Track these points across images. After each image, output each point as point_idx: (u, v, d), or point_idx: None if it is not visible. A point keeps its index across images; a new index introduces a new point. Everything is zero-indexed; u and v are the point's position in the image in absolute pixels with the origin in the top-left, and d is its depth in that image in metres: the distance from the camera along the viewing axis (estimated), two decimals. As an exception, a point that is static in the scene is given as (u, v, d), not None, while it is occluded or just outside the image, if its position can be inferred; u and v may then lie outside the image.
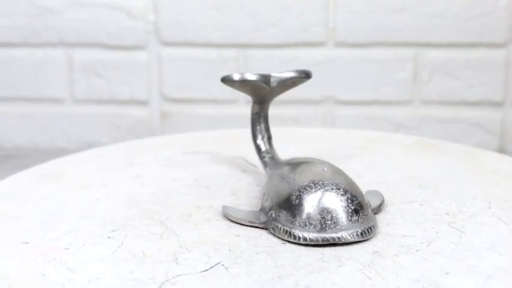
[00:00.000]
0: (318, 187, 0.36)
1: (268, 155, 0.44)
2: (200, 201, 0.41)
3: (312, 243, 0.34)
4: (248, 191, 0.43)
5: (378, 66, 0.81)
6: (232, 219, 0.38)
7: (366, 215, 0.35)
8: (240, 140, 0.56)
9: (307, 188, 0.36)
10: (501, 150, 0.82)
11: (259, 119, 0.45)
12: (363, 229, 0.35)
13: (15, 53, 0.84)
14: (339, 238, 0.34)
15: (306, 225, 0.35)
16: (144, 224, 0.37)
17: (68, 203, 0.41)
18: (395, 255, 0.33)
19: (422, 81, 0.81)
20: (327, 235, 0.34)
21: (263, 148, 0.45)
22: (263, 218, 0.37)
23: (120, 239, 0.35)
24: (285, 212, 0.36)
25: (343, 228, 0.34)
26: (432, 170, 0.47)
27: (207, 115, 0.84)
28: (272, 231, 0.36)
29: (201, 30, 0.82)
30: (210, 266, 0.32)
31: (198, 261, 0.33)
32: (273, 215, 0.36)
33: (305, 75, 0.42)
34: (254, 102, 0.45)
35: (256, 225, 0.37)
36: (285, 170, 0.39)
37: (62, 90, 0.84)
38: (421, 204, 0.40)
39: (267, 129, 0.45)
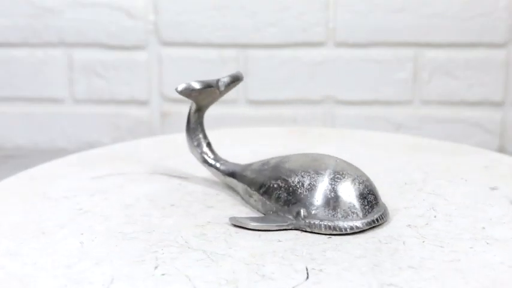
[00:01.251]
0: (345, 176, 0.37)
1: (221, 161, 0.43)
2: (193, 220, 0.38)
3: (358, 230, 0.36)
4: (221, 202, 0.42)
5: (378, 66, 0.81)
6: (258, 228, 0.37)
7: (379, 195, 0.38)
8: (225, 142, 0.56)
9: (336, 179, 0.37)
10: (501, 150, 0.82)
11: (199, 127, 0.44)
12: (385, 209, 0.37)
13: (15, 53, 0.84)
14: (377, 220, 0.36)
15: (348, 215, 0.36)
16: (179, 250, 0.35)
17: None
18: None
19: (422, 81, 0.81)
20: (369, 219, 0.36)
21: (211, 155, 0.43)
22: (290, 220, 0.37)
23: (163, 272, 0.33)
24: (321, 207, 0.36)
25: (377, 211, 0.37)
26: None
27: (207, 115, 0.84)
28: (309, 229, 0.36)
29: (201, 30, 0.82)
30: (306, 273, 0.31)
31: (286, 272, 0.32)
32: (304, 213, 0.36)
33: (239, 79, 0.43)
34: (196, 111, 0.43)
35: (285, 227, 0.37)
36: (287, 167, 0.39)
37: (62, 90, 0.84)
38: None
39: (206, 136, 0.44)
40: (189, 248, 0.34)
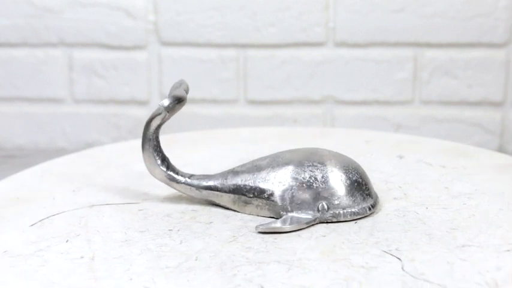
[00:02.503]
0: (347, 164, 0.40)
1: (191, 176, 0.41)
2: (216, 239, 0.36)
3: (374, 209, 0.39)
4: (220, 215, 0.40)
5: (377, 66, 0.81)
6: (292, 230, 0.37)
7: None
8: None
9: (344, 168, 0.39)
10: (501, 150, 0.82)
11: (158, 143, 0.42)
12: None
13: (15, 53, 0.84)
14: (376, 197, 0.40)
15: (365, 199, 0.39)
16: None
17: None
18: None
19: (422, 81, 0.81)
20: (375, 198, 0.40)
21: (178, 172, 0.41)
22: (313, 215, 0.38)
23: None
24: (343, 197, 0.38)
25: (375, 193, 0.41)
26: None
27: (207, 115, 0.84)
28: (335, 219, 0.38)
29: (201, 30, 0.82)
30: (397, 258, 0.33)
31: (382, 259, 0.33)
32: (326, 206, 0.38)
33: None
34: (159, 126, 0.42)
35: (312, 223, 0.37)
36: (286, 166, 0.39)
37: (62, 90, 0.84)
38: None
39: (163, 152, 0.42)
40: (261, 263, 0.33)
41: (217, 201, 0.40)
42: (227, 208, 0.40)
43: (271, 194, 0.38)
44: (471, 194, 0.43)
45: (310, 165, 0.39)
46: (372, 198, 0.39)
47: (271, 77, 0.82)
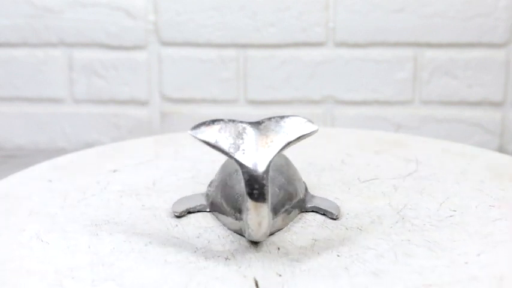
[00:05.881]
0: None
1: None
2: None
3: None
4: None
5: (377, 66, 0.81)
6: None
7: None
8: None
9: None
10: (501, 150, 0.82)
11: None
12: None
13: (15, 53, 0.84)
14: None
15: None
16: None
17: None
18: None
19: (422, 81, 0.81)
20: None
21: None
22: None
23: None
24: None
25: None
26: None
27: (207, 115, 0.84)
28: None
29: (201, 30, 0.82)
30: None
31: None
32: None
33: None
34: None
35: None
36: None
37: (62, 90, 0.84)
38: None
39: None
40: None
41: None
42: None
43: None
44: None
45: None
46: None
47: (271, 77, 0.82)
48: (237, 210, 0.36)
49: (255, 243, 0.35)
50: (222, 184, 0.39)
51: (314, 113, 0.83)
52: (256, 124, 0.33)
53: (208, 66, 0.83)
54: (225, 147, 0.32)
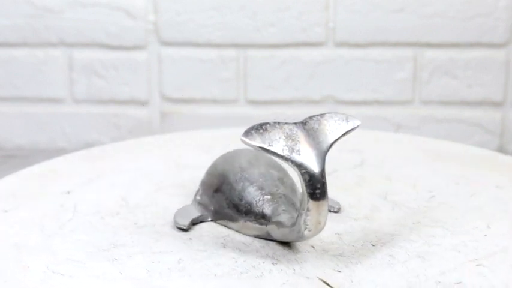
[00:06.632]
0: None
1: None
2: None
3: None
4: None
5: (377, 66, 0.81)
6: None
7: None
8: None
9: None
10: (501, 150, 0.82)
11: None
12: None
13: (15, 53, 0.84)
14: None
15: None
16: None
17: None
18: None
19: (422, 81, 0.81)
20: None
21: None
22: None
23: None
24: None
25: None
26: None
27: (207, 115, 0.84)
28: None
29: (201, 30, 0.82)
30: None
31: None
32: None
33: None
34: None
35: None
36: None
37: (62, 90, 0.84)
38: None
39: None
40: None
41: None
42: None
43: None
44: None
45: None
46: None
47: (271, 77, 0.82)
48: (260, 216, 0.36)
49: (287, 244, 0.35)
50: (224, 192, 0.38)
51: (314, 113, 0.83)
52: (301, 124, 0.34)
53: (208, 66, 0.83)
54: (279, 151, 0.32)
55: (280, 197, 0.37)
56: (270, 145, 0.32)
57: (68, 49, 0.83)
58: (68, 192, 0.43)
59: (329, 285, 0.31)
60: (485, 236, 0.36)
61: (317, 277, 0.31)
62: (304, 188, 0.32)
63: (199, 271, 0.33)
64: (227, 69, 0.82)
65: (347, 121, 0.34)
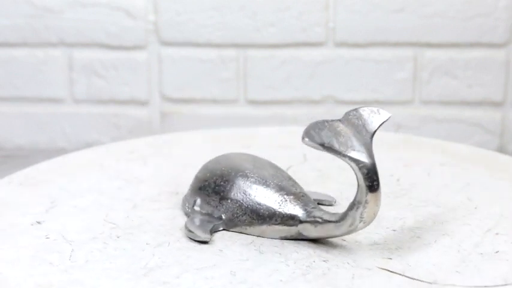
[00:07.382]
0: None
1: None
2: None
3: None
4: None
5: (377, 66, 0.81)
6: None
7: None
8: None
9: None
10: (501, 150, 0.82)
11: None
12: None
13: (15, 53, 0.84)
14: None
15: None
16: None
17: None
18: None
19: (422, 81, 0.81)
20: None
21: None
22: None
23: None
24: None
25: None
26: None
27: (207, 115, 0.84)
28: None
29: (201, 30, 0.82)
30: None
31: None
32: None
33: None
34: None
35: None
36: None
37: (62, 90, 0.84)
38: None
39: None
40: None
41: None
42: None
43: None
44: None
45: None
46: None
47: (271, 77, 0.82)
48: (287, 217, 0.36)
49: (315, 242, 0.35)
50: (235, 199, 0.38)
51: (314, 113, 0.83)
52: (344, 121, 0.34)
53: (208, 66, 0.83)
54: (338, 148, 0.32)
55: (303, 196, 0.37)
56: (329, 143, 0.32)
57: (68, 49, 0.83)
58: (46, 212, 0.40)
59: (395, 273, 0.32)
60: (488, 230, 0.37)
61: (376, 267, 0.32)
62: (362, 181, 0.32)
63: (262, 280, 0.31)
64: (227, 69, 0.82)
65: (379, 113, 0.35)
